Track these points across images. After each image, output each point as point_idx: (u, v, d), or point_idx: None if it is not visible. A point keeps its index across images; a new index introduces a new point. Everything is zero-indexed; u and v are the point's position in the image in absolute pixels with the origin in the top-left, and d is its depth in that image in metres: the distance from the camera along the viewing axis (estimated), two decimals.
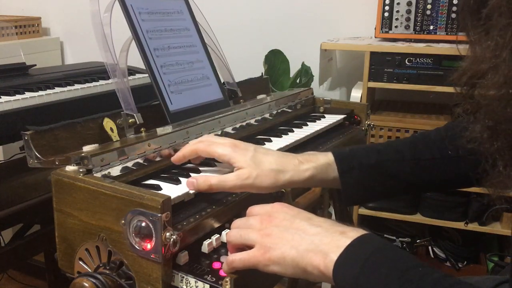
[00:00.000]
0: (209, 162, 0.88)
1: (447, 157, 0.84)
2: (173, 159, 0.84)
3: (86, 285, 0.67)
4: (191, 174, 0.83)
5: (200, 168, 0.86)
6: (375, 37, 1.91)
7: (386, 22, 1.86)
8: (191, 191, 0.76)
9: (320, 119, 1.24)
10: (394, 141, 0.89)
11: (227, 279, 0.63)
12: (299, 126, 1.17)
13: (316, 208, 1.35)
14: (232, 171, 0.77)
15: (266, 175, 0.76)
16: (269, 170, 0.77)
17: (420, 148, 0.86)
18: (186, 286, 0.67)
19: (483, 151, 0.58)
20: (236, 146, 0.79)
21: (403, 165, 0.85)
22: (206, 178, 0.76)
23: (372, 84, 1.84)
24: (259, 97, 1.28)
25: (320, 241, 0.61)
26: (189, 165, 0.89)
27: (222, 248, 0.73)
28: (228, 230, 0.72)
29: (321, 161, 0.82)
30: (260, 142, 1.01)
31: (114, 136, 0.89)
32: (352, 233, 0.60)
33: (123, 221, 0.67)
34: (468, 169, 0.78)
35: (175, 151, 0.90)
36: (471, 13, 0.59)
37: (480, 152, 0.58)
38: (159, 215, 0.63)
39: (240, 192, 0.80)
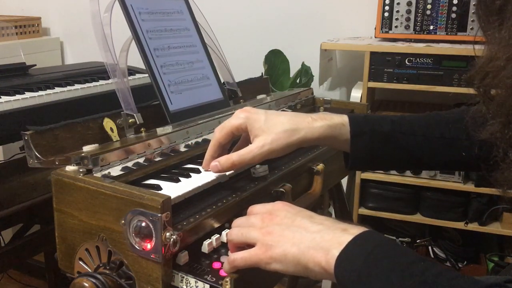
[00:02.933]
0: None
1: (457, 139, 0.85)
2: (205, 167, 0.83)
3: (86, 285, 0.67)
4: (191, 174, 0.83)
5: (201, 168, 0.86)
6: (375, 37, 1.91)
7: (386, 22, 1.86)
8: (191, 188, 0.76)
9: None
10: (408, 115, 0.90)
11: (227, 279, 0.63)
12: None
13: (316, 208, 1.35)
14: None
15: (280, 137, 0.78)
16: (282, 132, 0.79)
17: (432, 126, 0.87)
18: (186, 286, 0.67)
19: (495, 142, 0.58)
20: (247, 112, 0.81)
21: (413, 139, 0.86)
22: (227, 157, 0.78)
23: (372, 84, 1.84)
24: (259, 97, 1.28)
25: (322, 238, 0.61)
26: (189, 165, 0.89)
27: (222, 248, 0.73)
28: (228, 230, 0.72)
29: (335, 120, 0.83)
30: None
31: (114, 136, 0.89)
32: (354, 230, 0.60)
33: (123, 221, 0.67)
34: (477, 155, 0.78)
35: (174, 151, 0.90)
36: (486, 7, 0.60)
37: (492, 144, 0.59)
38: (159, 215, 0.63)
39: (262, 160, 0.81)
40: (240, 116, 0.80)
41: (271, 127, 0.79)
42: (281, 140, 0.78)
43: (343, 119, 0.84)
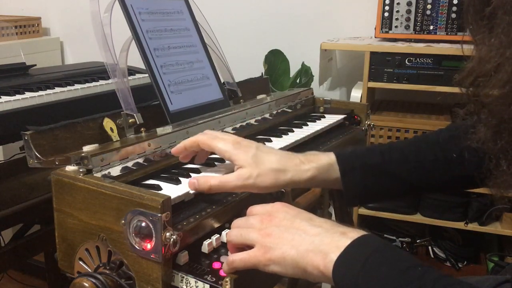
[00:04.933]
0: (210, 162, 0.88)
1: (450, 158, 0.83)
2: (173, 150, 0.83)
3: (86, 285, 0.67)
4: (191, 174, 0.83)
5: (201, 168, 0.86)
6: (375, 37, 1.91)
7: (386, 22, 1.86)
8: (191, 191, 0.76)
9: (320, 119, 1.24)
10: (397, 142, 0.88)
11: (227, 279, 0.63)
12: (299, 126, 1.17)
13: (316, 208, 1.35)
14: (233, 171, 0.77)
15: (267, 175, 0.75)
16: (270, 170, 0.76)
17: (423, 150, 0.85)
18: (186, 286, 0.67)
19: (487, 150, 0.58)
20: (238, 143, 0.78)
21: (406, 166, 0.84)
22: (207, 179, 0.75)
23: (372, 84, 1.84)
24: (259, 97, 1.28)
25: (321, 241, 0.61)
26: (189, 165, 0.89)
27: (222, 248, 0.73)
28: (228, 230, 0.72)
29: (322, 161, 0.81)
30: (260, 142, 1.01)
31: (114, 136, 0.89)
32: (352, 234, 0.60)
33: (123, 221, 0.67)
34: (471, 170, 0.77)
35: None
36: (475, 12, 0.59)
37: (484, 152, 0.58)
38: (159, 215, 0.63)
39: (240, 192, 0.80)
40: (228, 144, 0.77)
41: (258, 163, 0.76)
42: (267, 177, 0.75)
43: (330, 158, 0.82)
